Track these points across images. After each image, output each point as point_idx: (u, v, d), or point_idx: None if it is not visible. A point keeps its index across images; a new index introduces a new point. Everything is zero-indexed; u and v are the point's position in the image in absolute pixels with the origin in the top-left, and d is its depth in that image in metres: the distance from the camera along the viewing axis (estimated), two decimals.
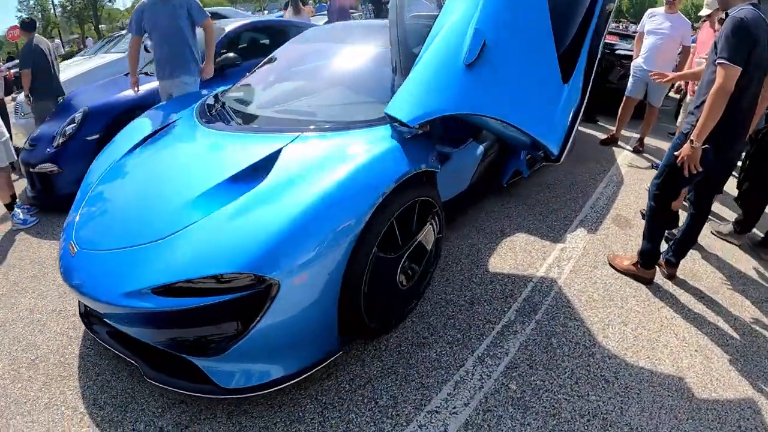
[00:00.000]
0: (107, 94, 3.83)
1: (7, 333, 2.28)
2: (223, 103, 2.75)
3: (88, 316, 2.00)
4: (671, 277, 2.58)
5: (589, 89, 2.16)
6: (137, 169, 2.28)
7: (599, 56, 2.21)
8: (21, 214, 3.53)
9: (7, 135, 3.58)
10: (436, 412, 1.76)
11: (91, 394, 1.89)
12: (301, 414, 1.76)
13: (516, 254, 2.77)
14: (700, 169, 2.12)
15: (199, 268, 1.59)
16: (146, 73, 4.30)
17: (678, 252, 2.54)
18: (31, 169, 3.53)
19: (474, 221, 3.16)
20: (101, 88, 4.17)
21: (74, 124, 3.49)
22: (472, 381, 1.89)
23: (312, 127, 2.20)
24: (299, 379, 1.71)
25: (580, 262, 2.71)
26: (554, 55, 2.01)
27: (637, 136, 4.91)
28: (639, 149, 4.69)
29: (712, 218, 3.34)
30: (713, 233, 3.13)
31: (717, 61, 1.95)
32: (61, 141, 3.46)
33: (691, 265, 2.74)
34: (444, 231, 2.33)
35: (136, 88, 3.66)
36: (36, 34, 4.59)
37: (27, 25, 4.54)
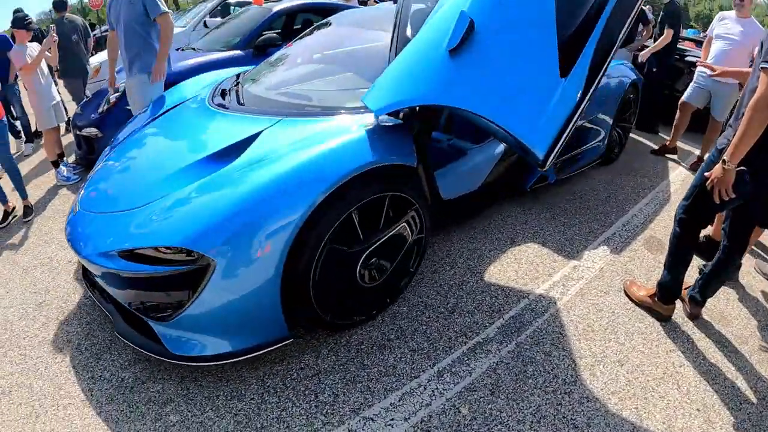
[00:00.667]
0: None
1: (27, 276, 2.55)
2: (237, 83, 2.75)
3: (85, 269, 2.13)
4: (694, 317, 2.24)
5: (595, 86, 1.84)
6: (140, 142, 2.38)
7: (616, 49, 1.87)
8: (65, 171, 3.83)
9: (59, 98, 3.86)
10: (372, 419, 1.67)
11: (77, 339, 2.09)
12: (243, 392, 1.78)
13: (520, 265, 2.54)
14: (733, 196, 1.79)
15: (148, 239, 1.65)
16: (194, 48, 4.45)
17: (704, 289, 2.18)
18: (77, 132, 3.78)
19: (485, 224, 2.94)
20: None
21: (117, 93, 3.69)
22: (421, 395, 1.76)
23: (296, 111, 2.14)
24: (242, 358, 1.73)
25: (590, 285, 2.42)
26: (554, 43, 1.73)
27: (698, 152, 4.32)
28: (696, 167, 4.12)
29: (762, 252, 2.86)
30: (756, 271, 2.67)
31: (761, 65, 1.59)
32: (104, 108, 3.68)
33: (722, 305, 2.35)
34: (428, 231, 2.17)
35: (111, 88, 3.67)
36: (68, 13, 4.85)
37: (58, 5, 4.78)
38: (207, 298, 1.60)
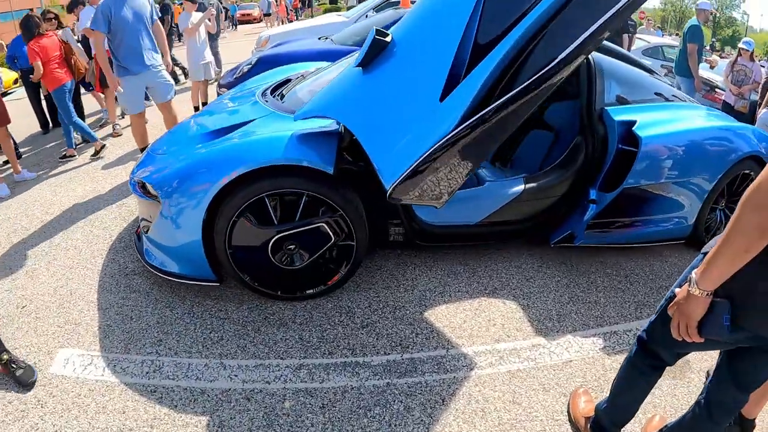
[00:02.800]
0: (288, 48, 4.83)
1: (97, 219, 3.35)
2: (288, 80, 3.21)
3: None
4: None
5: (491, 119, 1.57)
6: (206, 114, 3.13)
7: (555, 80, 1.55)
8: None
9: (211, 59, 5.16)
10: (223, 366, 2.06)
11: (114, 257, 2.89)
12: (175, 306, 2.38)
13: (475, 318, 2.36)
14: (699, 339, 1.19)
15: (146, 177, 2.34)
16: (331, 40, 5.09)
17: None
18: (218, 91, 4.89)
19: (480, 263, 2.74)
20: (293, 43, 5.29)
21: (250, 65, 4.58)
22: (270, 372, 2.03)
23: (287, 109, 2.51)
24: (183, 281, 2.36)
25: (534, 372, 2.09)
26: (448, 63, 1.59)
27: None
28: None
29: None
30: None
31: None
32: (239, 74, 4.62)
33: None
34: (360, 241, 2.28)
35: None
36: None
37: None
38: (158, 225, 2.24)
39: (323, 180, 2.14)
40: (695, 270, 1.17)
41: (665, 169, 2.54)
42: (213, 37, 6.26)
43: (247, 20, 22.38)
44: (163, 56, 3.85)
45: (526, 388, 2.01)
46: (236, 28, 20.35)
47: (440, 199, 1.71)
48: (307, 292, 2.35)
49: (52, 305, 2.45)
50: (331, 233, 2.22)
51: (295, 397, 1.91)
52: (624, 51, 2.99)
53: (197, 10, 5.46)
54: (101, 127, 5.57)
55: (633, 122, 2.46)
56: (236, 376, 2.00)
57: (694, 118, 2.73)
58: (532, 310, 2.43)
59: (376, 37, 1.65)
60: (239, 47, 11.90)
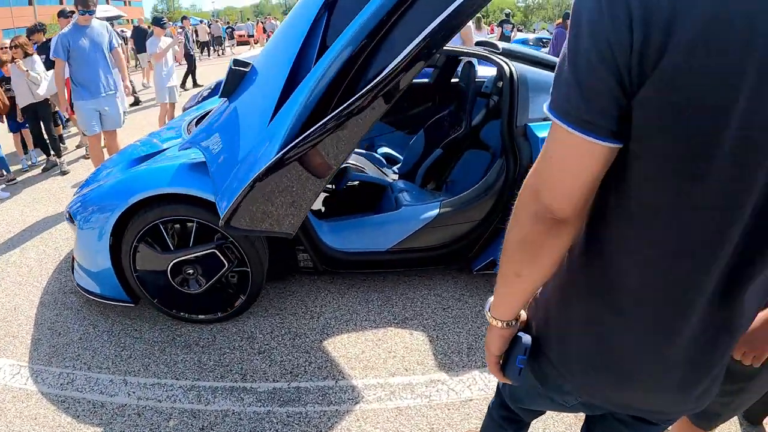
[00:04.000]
0: None
1: (51, 239, 3.36)
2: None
3: None
4: None
5: (314, 139, 1.52)
6: (143, 140, 3.28)
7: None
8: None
9: (176, 83, 5.57)
10: (98, 380, 2.14)
11: (58, 276, 2.96)
12: (96, 324, 2.50)
13: (375, 349, 2.31)
14: (505, 381, 0.95)
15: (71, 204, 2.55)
16: None
17: None
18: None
19: (387, 288, 2.71)
20: None
21: (210, 89, 4.80)
22: (148, 390, 2.08)
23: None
24: (104, 301, 2.48)
25: (425, 410, 2.01)
26: (280, 86, 1.60)
27: None
28: None
29: None
30: None
31: None
32: (200, 99, 4.83)
33: None
34: (253, 267, 2.32)
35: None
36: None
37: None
38: (77, 251, 2.43)
39: (211, 207, 2.18)
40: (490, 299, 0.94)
41: None
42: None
43: (245, 41, 22.91)
44: (123, 80, 4.17)
45: (411, 427, 1.91)
46: (223, 52, 19.85)
47: (281, 226, 1.66)
48: (200, 317, 2.37)
49: None
50: (224, 260, 2.22)
51: (179, 417, 1.97)
52: (554, 60, 2.86)
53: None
54: (78, 147, 6.04)
55: None
56: (134, 392, 2.09)
57: None
58: (441, 342, 2.33)
59: (233, 66, 1.69)
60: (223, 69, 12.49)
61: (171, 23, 10.11)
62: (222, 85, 1.83)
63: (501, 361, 0.92)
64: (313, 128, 1.52)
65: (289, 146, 1.56)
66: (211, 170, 1.80)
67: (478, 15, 14.45)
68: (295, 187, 1.62)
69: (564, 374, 0.85)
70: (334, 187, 2.78)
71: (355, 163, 3.06)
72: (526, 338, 0.89)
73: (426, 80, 3.62)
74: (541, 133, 2.37)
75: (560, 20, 8.57)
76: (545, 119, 2.43)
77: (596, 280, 0.77)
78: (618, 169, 0.67)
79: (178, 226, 2.29)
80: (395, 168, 3.40)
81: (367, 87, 1.47)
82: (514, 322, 0.88)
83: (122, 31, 13.60)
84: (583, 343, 0.81)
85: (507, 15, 11.49)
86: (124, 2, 41.02)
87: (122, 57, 4.25)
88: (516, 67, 2.43)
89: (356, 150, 3.35)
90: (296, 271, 2.60)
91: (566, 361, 0.84)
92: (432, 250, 2.56)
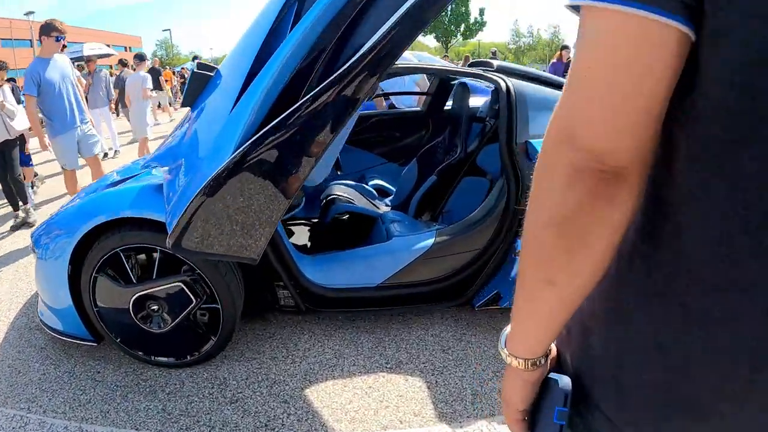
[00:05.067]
0: None
1: (26, 274, 3.30)
2: None
3: None
4: None
5: (264, 147, 1.32)
6: (125, 166, 3.15)
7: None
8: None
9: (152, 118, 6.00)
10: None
11: (26, 312, 2.68)
12: (59, 359, 2.28)
13: (364, 398, 2.00)
14: None
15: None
16: None
17: None
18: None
19: (378, 328, 2.41)
20: None
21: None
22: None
23: None
24: (67, 339, 2.24)
25: None
26: (241, 81, 1.44)
27: None
28: None
29: None
30: None
31: None
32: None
33: None
34: (224, 304, 2.04)
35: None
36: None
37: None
38: (37, 278, 2.19)
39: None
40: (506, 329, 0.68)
41: None
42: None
43: None
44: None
45: None
46: None
47: (242, 250, 1.42)
48: (164, 360, 2.09)
49: None
50: (191, 295, 1.97)
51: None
52: (552, 76, 2.72)
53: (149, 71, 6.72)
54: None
55: None
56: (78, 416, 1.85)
57: None
58: (441, 388, 2.02)
59: (195, 70, 1.55)
60: None
61: (167, 67, 11.03)
62: (185, 92, 1.68)
63: (527, 418, 0.65)
64: (274, 122, 1.32)
65: (244, 146, 1.34)
66: (164, 184, 1.60)
67: (466, 54, 14.88)
68: (256, 199, 1.40)
69: (624, 428, 0.55)
70: (319, 220, 2.56)
71: (343, 194, 2.86)
72: (564, 381, 0.60)
73: (418, 109, 3.51)
74: None
75: (559, 53, 8.41)
76: None
77: (669, 276, 0.49)
78: (689, 87, 0.42)
79: (143, 255, 2.04)
80: (387, 200, 3.20)
81: (336, 73, 1.28)
82: (543, 360, 0.60)
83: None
84: (656, 376, 0.51)
85: (493, 53, 11.81)
86: (125, 48, 42.37)
87: (81, 88, 4.17)
88: (513, 83, 2.29)
89: (345, 182, 3.17)
90: (277, 310, 2.32)
91: (629, 406, 0.55)
92: (428, 285, 2.29)
